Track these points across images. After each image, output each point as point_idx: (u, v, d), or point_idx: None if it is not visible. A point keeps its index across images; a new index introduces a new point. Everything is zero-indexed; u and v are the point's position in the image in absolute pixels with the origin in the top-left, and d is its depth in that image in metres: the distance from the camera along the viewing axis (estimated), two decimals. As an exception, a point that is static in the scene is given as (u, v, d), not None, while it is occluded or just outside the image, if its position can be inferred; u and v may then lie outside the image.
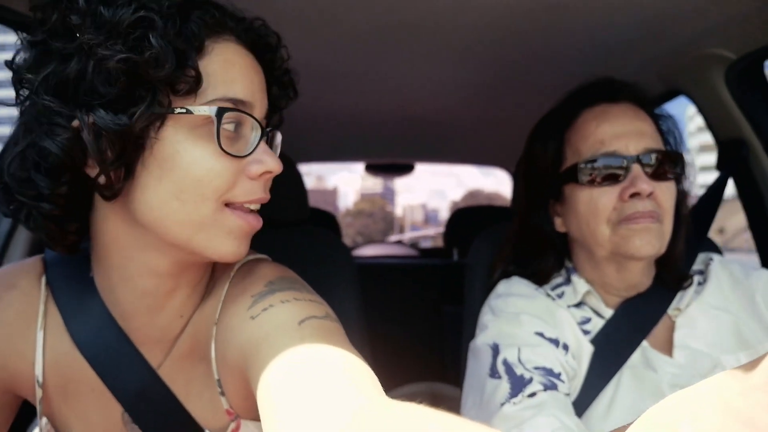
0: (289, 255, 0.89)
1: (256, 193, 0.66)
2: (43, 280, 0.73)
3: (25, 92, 0.60)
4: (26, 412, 0.84)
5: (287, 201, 1.19)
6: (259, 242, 0.76)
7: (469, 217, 2.99)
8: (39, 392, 0.71)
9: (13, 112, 0.64)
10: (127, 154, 0.59)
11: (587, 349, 0.95)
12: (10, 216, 0.65)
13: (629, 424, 0.37)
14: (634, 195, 0.90)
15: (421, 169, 3.19)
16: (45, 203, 0.61)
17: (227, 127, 0.62)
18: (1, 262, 1.18)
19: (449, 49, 1.36)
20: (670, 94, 1.50)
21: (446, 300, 2.56)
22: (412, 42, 1.31)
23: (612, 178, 0.92)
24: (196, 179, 0.60)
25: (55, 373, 0.71)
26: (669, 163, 0.94)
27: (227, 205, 0.64)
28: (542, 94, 1.60)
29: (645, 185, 0.89)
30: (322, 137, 2.36)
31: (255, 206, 0.67)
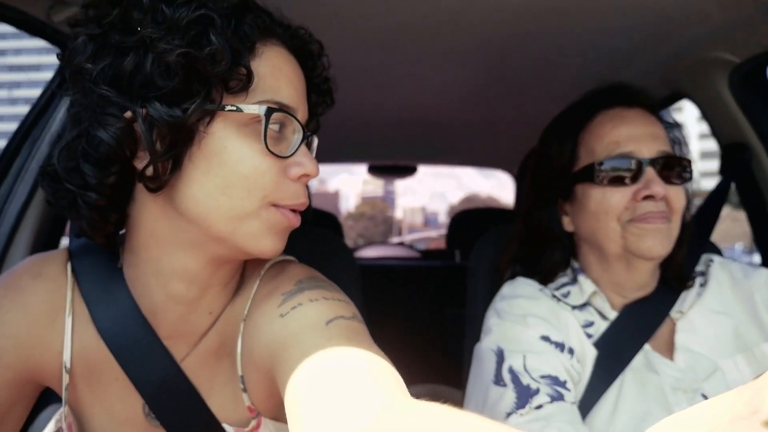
0: (292, 255, 0.90)
1: (299, 197, 0.67)
2: (69, 267, 0.73)
3: (80, 83, 0.62)
4: (39, 401, 0.84)
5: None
6: None
7: (472, 220, 2.99)
8: (66, 379, 0.71)
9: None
10: (177, 146, 0.61)
11: (590, 353, 0.95)
12: (53, 203, 0.67)
13: None
14: (647, 197, 0.91)
15: (422, 171, 3.17)
16: (92, 192, 0.63)
17: (273, 127, 0.63)
18: (2, 262, 1.18)
19: (452, 51, 1.36)
20: (674, 98, 1.51)
21: (448, 302, 2.56)
22: (416, 44, 1.32)
23: (626, 179, 0.94)
24: (242, 176, 0.62)
25: (82, 360, 0.71)
26: (679, 167, 0.96)
27: (273, 206, 0.65)
28: (546, 98, 1.60)
29: (659, 188, 0.91)
30: (325, 138, 2.34)
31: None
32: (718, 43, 1.24)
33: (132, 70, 0.59)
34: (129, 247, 0.70)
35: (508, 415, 0.85)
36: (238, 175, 0.62)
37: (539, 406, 0.84)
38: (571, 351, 0.93)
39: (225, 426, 0.73)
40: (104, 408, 0.73)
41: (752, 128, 1.33)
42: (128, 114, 0.60)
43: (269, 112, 0.62)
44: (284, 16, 0.71)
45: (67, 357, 0.71)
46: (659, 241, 0.92)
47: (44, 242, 1.23)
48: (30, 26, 1.04)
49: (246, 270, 0.77)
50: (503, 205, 3.57)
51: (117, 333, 0.70)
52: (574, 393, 0.90)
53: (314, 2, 1.09)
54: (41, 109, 1.22)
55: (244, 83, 0.62)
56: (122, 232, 0.72)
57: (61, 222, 1.28)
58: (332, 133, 2.29)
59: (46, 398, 0.76)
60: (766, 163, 1.32)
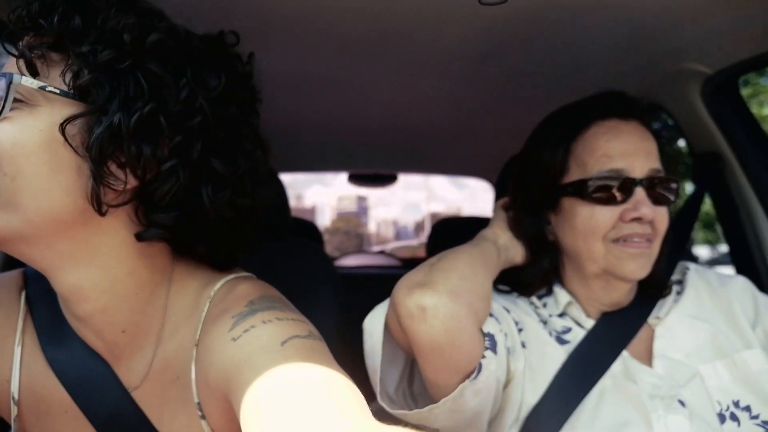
0: (271, 265, 0.89)
1: None
2: (23, 295, 0.71)
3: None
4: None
5: (269, 211, 1.19)
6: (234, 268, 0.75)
7: (452, 228, 3.00)
8: (14, 410, 0.69)
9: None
10: None
11: (556, 356, 0.95)
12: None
13: None
14: (635, 219, 0.91)
15: (396, 183, 3.17)
16: None
17: None
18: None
19: (431, 59, 1.37)
20: (650, 108, 1.53)
21: None
22: (396, 53, 1.32)
23: (615, 198, 0.92)
24: None
25: (30, 391, 0.69)
26: (668, 188, 0.95)
27: None
28: (523, 107, 1.62)
29: (647, 210, 0.90)
30: (304, 147, 2.35)
31: None
32: (690, 54, 1.26)
33: None
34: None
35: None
36: None
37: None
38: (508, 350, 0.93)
39: None
40: None
41: (724, 138, 1.35)
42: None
43: None
44: (237, 21, 0.71)
45: (15, 388, 0.69)
46: (641, 264, 0.92)
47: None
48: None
49: (194, 292, 0.73)
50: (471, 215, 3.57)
51: (68, 365, 0.68)
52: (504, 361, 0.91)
53: (291, 11, 1.08)
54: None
55: None
56: None
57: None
58: (311, 141, 2.29)
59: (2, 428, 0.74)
60: (738, 172, 1.35)
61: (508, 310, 0.98)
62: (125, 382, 0.70)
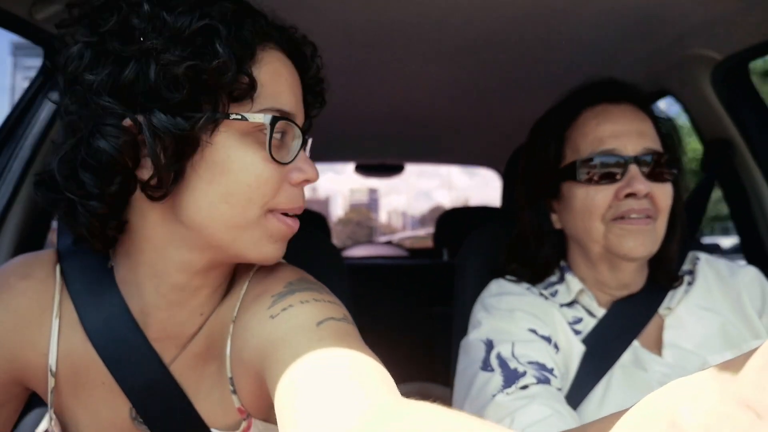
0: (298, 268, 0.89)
1: (297, 201, 0.68)
2: (58, 269, 0.72)
3: (77, 93, 0.61)
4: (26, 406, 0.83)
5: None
6: None
7: (460, 218, 3.00)
8: (51, 382, 0.70)
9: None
10: (182, 156, 0.60)
11: (578, 349, 0.95)
12: (50, 209, 0.66)
13: (628, 409, 0.37)
14: (629, 195, 0.91)
15: (407, 170, 3.18)
16: (94, 201, 0.62)
17: (276, 135, 0.64)
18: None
19: (439, 48, 1.36)
20: (659, 94, 1.52)
21: (436, 300, 2.57)
22: (403, 42, 1.32)
23: (609, 177, 0.93)
24: (245, 184, 0.62)
25: (68, 363, 0.70)
26: (666, 164, 0.95)
27: (270, 211, 0.66)
28: (532, 95, 1.61)
29: (641, 186, 0.90)
30: (313, 137, 2.35)
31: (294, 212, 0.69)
32: (699, 39, 1.25)
33: (133, 79, 0.58)
34: (123, 250, 0.70)
35: (494, 396, 0.85)
36: (240, 184, 0.62)
37: (525, 387, 0.84)
38: (556, 346, 0.94)
39: (213, 431, 0.73)
40: (90, 412, 0.72)
41: (734, 124, 1.34)
42: (128, 123, 0.59)
43: (274, 120, 0.63)
44: (278, 17, 0.71)
45: (52, 360, 0.70)
46: (641, 242, 0.92)
47: (28, 242, 1.21)
48: (11, 24, 1.02)
49: (235, 271, 0.77)
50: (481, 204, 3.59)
51: (105, 335, 0.69)
52: (560, 383, 0.90)
53: (301, 0, 1.08)
54: (23, 109, 1.21)
55: (247, 91, 0.62)
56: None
57: (46, 222, 1.27)
58: (319, 131, 2.29)
59: (30, 402, 0.74)
60: (749, 159, 1.34)
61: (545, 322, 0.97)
62: (163, 356, 0.71)
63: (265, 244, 0.66)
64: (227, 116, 0.61)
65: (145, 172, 0.61)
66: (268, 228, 0.66)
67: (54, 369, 0.70)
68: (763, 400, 0.26)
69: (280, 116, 0.64)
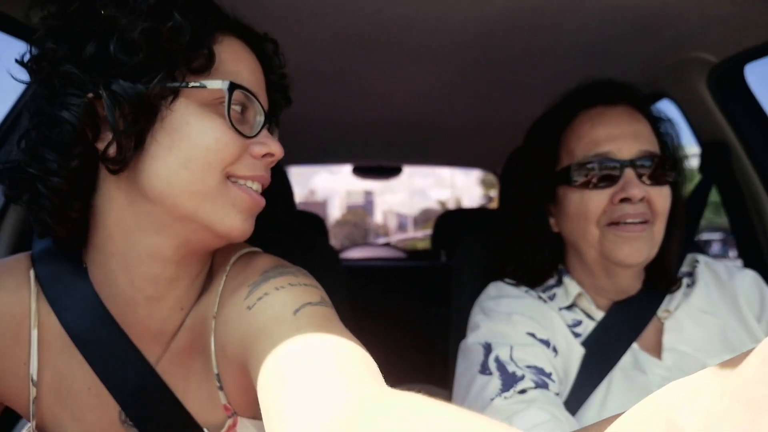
0: (276, 256, 0.89)
1: (257, 169, 0.68)
2: (32, 275, 0.71)
3: (42, 70, 0.62)
4: (6, 418, 0.82)
5: (275, 203, 1.19)
6: (246, 243, 0.76)
7: (457, 220, 3.00)
8: (33, 392, 0.69)
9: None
10: (140, 122, 0.61)
11: (577, 352, 0.95)
12: (12, 200, 0.66)
13: (628, 410, 0.37)
14: (624, 200, 0.90)
15: (404, 170, 3.17)
16: (54, 177, 0.62)
17: (235, 107, 0.65)
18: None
19: (436, 50, 1.36)
20: (655, 97, 1.52)
21: (433, 301, 2.57)
22: (401, 44, 1.32)
23: (604, 181, 0.92)
24: (204, 147, 0.63)
25: (51, 370, 0.70)
26: (664, 167, 0.93)
27: (229, 178, 0.66)
28: (528, 97, 1.61)
29: (636, 190, 0.89)
30: (308, 140, 2.35)
31: (257, 186, 0.69)
32: (695, 42, 1.26)
33: (95, 52, 0.60)
34: (93, 243, 0.69)
35: (492, 399, 0.84)
36: (200, 148, 0.62)
37: (523, 391, 0.84)
38: (555, 350, 0.93)
39: (204, 429, 0.72)
40: (75, 419, 0.72)
41: (731, 127, 1.34)
42: (90, 94, 0.60)
43: (232, 87, 0.63)
44: (241, 15, 0.73)
45: (33, 369, 0.69)
46: (636, 248, 0.90)
47: (26, 243, 1.21)
48: (8, 27, 1.02)
49: (214, 264, 0.77)
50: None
51: (89, 340, 0.68)
52: (558, 386, 0.90)
53: (293, 4, 1.08)
54: (20, 112, 1.20)
55: (206, 63, 0.63)
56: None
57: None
58: (316, 133, 2.30)
59: (7, 416, 0.73)
60: (745, 161, 1.34)
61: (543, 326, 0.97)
62: (147, 356, 0.71)
63: (228, 213, 0.65)
64: (185, 84, 0.62)
65: (105, 143, 0.62)
66: (230, 197, 0.65)
67: (35, 378, 0.69)
68: (763, 394, 0.26)
69: (241, 86, 0.65)
